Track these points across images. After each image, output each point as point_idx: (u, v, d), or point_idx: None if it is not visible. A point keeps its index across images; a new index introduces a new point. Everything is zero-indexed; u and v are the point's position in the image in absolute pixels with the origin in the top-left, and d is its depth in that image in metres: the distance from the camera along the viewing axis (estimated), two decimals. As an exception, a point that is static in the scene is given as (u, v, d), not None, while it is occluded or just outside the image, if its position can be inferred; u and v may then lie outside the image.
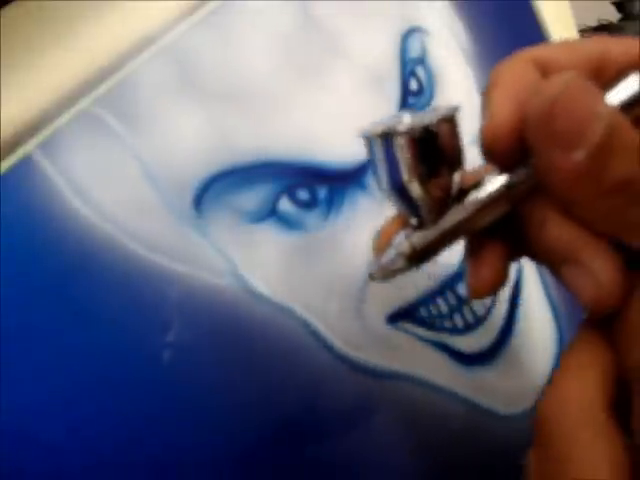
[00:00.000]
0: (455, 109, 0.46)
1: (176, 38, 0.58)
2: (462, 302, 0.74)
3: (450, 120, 0.45)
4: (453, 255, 0.74)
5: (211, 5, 0.61)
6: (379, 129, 0.42)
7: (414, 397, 0.69)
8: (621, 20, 2.07)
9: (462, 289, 0.74)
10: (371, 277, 0.46)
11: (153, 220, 0.56)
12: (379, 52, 0.71)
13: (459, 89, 0.81)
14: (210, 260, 0.58)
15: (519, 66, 0.47)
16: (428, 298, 0.71)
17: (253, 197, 0.61)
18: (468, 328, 0.74)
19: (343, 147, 0.66)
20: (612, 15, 2.06)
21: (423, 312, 0.71)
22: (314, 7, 0.67)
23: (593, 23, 2.04)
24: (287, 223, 0.62)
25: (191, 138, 0.58)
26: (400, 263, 0.45)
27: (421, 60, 0.75)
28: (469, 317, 0.74)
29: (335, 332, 0.64)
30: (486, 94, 0.46)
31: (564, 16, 0.97)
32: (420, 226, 0.44)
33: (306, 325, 0.62)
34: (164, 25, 0.58)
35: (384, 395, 0.67)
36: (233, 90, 0.61)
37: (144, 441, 0.54)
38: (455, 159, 0.46)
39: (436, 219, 0.44)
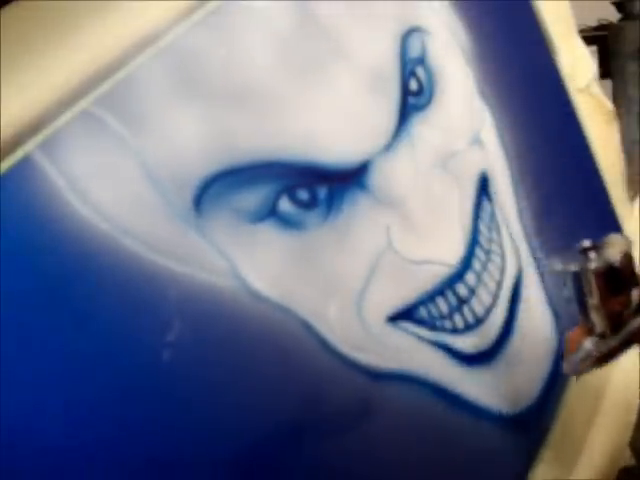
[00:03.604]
0: (630, 243, 0.62)
1: (176, 38, 0.58)
2: (462, 302, 0.74)
3: (628, 253, 0.61)
4: (453, 255, 0.75)
5: (211, 5, 0.61)
6: (572, 268, 0.61)
7: (414, 397, 0.69)
8: (621, 20, 2.07)
9: (462, 289, 0.74)
10: (565, 372, 0.67)
11: (153, 220, 0.56)
12: (379, 52, 0.71)
13: (459, 89, 0.81)
14: (210, 260, 0.58)
15: None
16: (428, 298, 0.71)
17: (253, 197, 0.61)
18: (468, 328, 0.74)
19: (343, 147, 0.66)
20: (612, 15, 2.06)
21: (423, 312, 0.71)
22: (314, 7, 0.67)
23: (593, 23, 2.04)
24: (287, 223, 0.62)
25: (191, 138, 0.58)
26: (588, 363, 0.63)
27: (421, 60, 0.75)
28: (469, 317, 0.74)
29: (335, 332, 0.64)
30: None
31: (564, 16, 0.97)
32: (603, 335, 0.61)
33: (306, 325, 0.62)
34: (164, 25, 0.58)
35: (384, 395, 0.67)
36: (233, 90, 0.61)
37: (144, 441, 0.54)
38: (633, 281, 0.61)
39: (617, 329, 0.61)
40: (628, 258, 0.61)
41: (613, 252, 0.60)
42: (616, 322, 0.61)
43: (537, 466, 0.78)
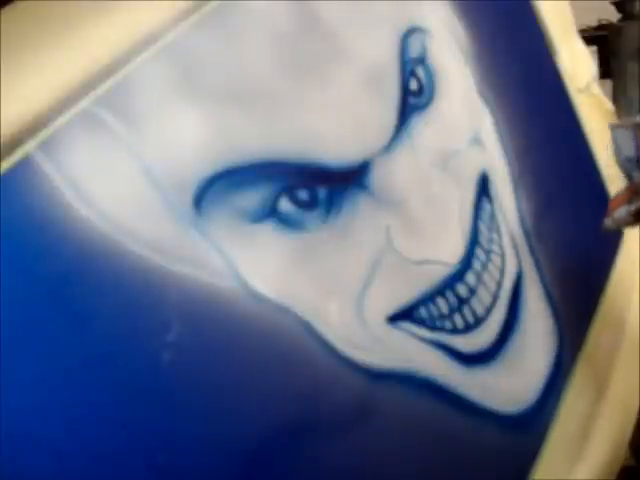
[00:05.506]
0: None
1: (176, 38, 0.58)
2: (462, 302, 0.74)
3: None
4: (453, 255, 0.75)
5: (211, 5, 0.61)
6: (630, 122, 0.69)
7: (414, 397, 0.69)
8: (621, 20, 2.07)
9: (462, 289, 0.74)
10: (605, 227, 0.71)
11: (153, 220, 0.56)
12: (379, 52, 0.71)
13: (459, 89, 0.81)
14: (210, 260, 0.58)
15: None
16: (428, 298, 0.71)
17: (253, 197, 0.61)
18: (468, 328, 0.74)
19: (343, 147, 0.66)
20: (612, 15, 2.06)
21: (423, 312, 0.71)
22: (314, 7, 0.67)
23: (593, 23, 2.04)
24: (287, 223, 0.62)
25: (191, 138, 0.58)
26: (629, 219, 0.69)
27: (421, 60, 0.75)
28: (469, 317, 0.74)
29: (335, 332, 0.64)
30: None
31: (564, 16, 0.97)
32: None
33: (306, 325, 0.62)
34: (164, 25, 0.58)
35: (384, 395, 0.67)
36: (233, 90, 0.61)
37: (143, 441, 0.54)
38: None
39: None
40: None
41: None
42: None
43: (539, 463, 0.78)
